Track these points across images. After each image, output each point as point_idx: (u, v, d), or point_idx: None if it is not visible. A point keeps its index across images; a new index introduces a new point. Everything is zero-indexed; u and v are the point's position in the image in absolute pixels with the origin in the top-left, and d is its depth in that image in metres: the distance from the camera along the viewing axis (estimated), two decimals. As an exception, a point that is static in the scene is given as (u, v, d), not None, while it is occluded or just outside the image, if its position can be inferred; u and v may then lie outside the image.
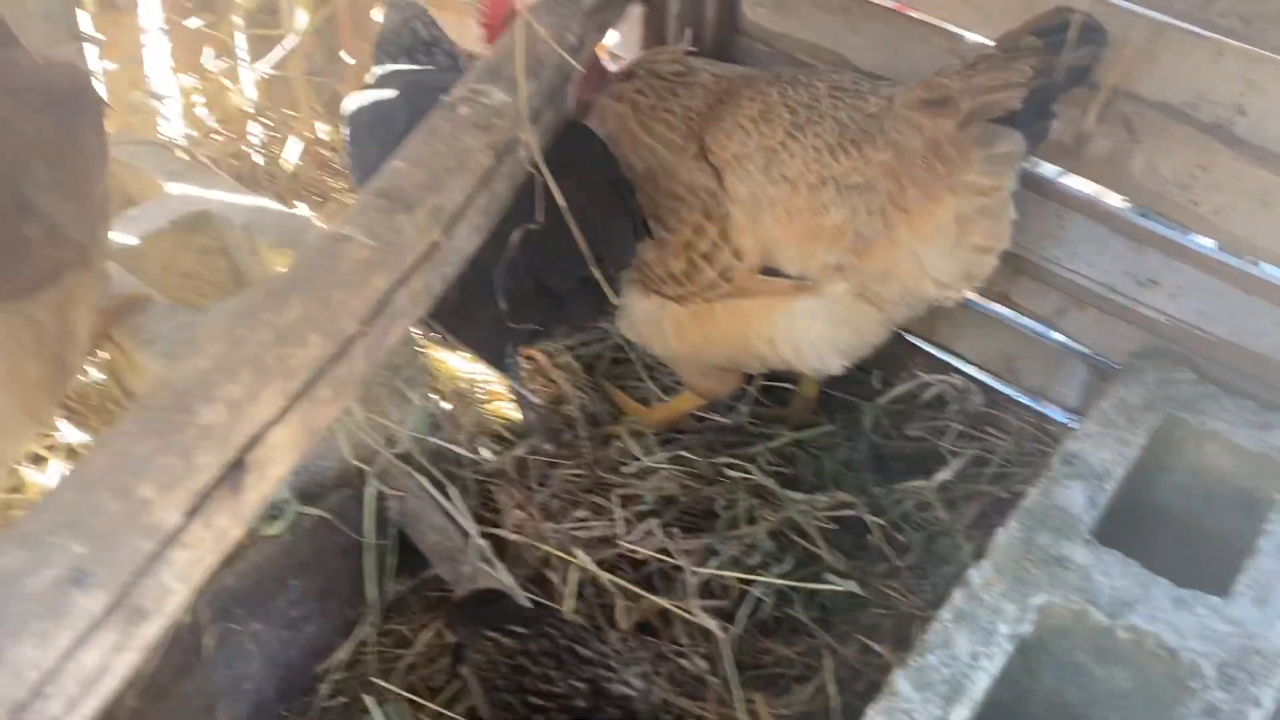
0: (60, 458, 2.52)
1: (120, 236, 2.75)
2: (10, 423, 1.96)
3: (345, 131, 2.67)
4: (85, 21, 3.19)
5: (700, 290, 2.36)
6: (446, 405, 2.66)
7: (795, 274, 2.26)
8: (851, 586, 2.32)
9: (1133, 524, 2.13)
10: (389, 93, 2.59)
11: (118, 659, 1.20)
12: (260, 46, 3.50)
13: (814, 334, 2.31)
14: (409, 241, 1.74)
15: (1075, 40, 2.04)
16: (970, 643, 1.84)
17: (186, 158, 3.21)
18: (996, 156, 2.08)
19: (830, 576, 2.35)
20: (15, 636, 1.09)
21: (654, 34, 2.89)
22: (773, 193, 2.24)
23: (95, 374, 2.64)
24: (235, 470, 1.37)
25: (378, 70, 2.72)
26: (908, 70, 2.51)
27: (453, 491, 2.45)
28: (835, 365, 2.40)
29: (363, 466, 2.43)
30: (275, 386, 1.45)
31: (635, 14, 2.91)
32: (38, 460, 2.52)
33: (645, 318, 2.52)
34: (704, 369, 2.60)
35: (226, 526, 1.36)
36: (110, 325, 2.47)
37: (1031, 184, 2.44)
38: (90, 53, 3.22)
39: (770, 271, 2.28)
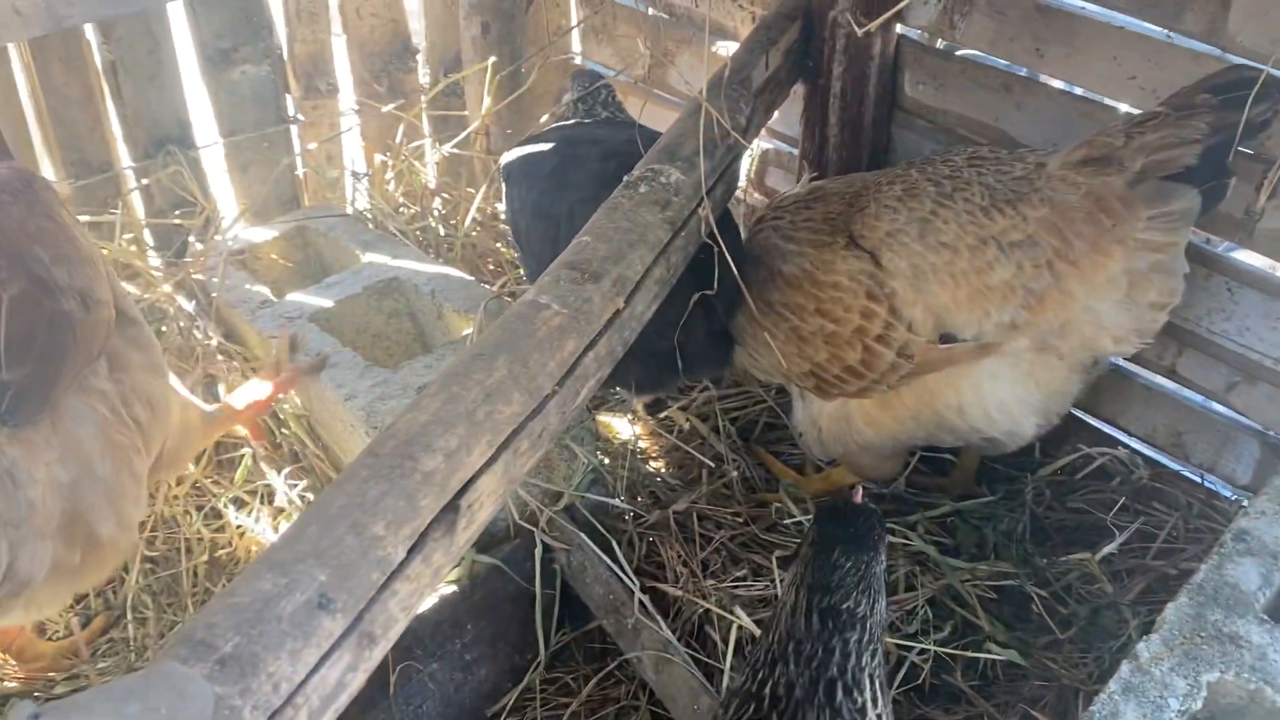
0: (263, 502, 2.75)
1: (319, 299, 3.02)
2: (122, 488, 2.05)
3: (504, 180, 2.86)
4: (290, 105, 3.53)
5: (882, 376, 2.37)
6: (610, 462, 2.79)
7: (971, 336, 2.30)
8: (1013, 656, 2.32)
9: (1310, 605, 2.07)
10: (541, 145, 2.78)
11: (351, 678, 1.35)
12: (443, 126, 3.77)
13: (1001, 394, 2.34)
14: (596, 309, 1.89)
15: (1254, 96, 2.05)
16: (1139, 716, 1.83)
17: (377, 229, 3.48)
18: (1170, 214, 2.12)
19: (991, 646, 2.35)
20: (273, 651, 1.24)
21: (815, 113, 3.00)
22: (933, 260, 2.29)
23: (294, 426, 2.87)
24: (450, 513, 1.52)
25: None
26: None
27: (616, 547, 2.57)
28: (1029, 426, 2.40)
29: (535, 517, 2.57)
30: (484, 439, 1.60)
31: (797, 93, 3.04)
32: (241, 505, 2.75)
33: (831, 422, 2.58)
34: (883, 456, 2.62)
35: (441, 564, 1.51)
36: (301, 381, 2.69)
37: (1200, 258, 2.44)
38: (293, 133, 3.56)
39: (947, 339, 2.32)
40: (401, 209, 3.69)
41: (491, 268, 3.61)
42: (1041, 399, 2.37)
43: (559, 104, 3.00)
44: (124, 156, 3.25)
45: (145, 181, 3.26)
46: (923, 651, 2.36)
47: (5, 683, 2.35)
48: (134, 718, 1.06)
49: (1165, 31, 2.39)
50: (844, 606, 1.73)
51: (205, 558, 2.65)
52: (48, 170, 3.13)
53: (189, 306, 3.04)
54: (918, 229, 2.32)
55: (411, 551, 1.45)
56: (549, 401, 1.74)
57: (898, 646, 2.37)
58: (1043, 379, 2.34)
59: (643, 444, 3.00)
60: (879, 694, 1.76)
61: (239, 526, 2.69)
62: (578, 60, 3.99)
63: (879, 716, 1.74)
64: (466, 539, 1.57)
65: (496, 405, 1.64)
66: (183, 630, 1.26)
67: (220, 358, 2.95)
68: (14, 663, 2.39)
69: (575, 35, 3.96)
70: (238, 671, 1.21)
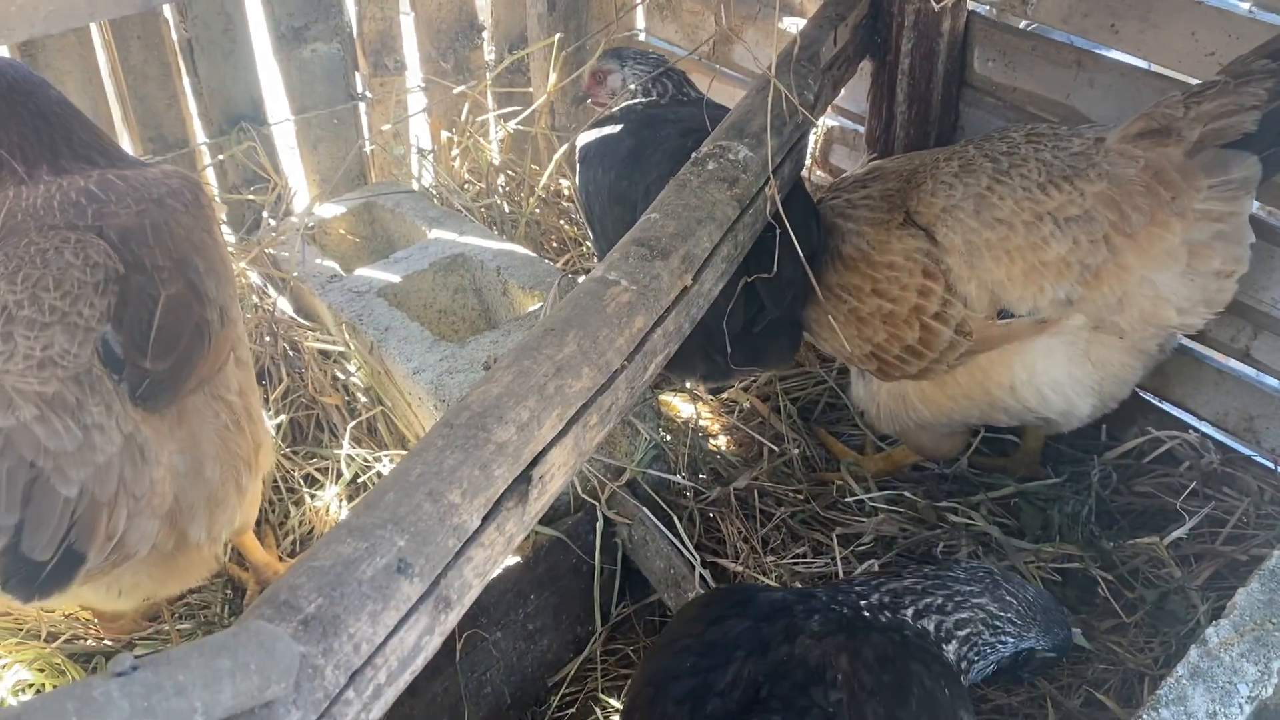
0: (331, 478, 2.81)
1: (387, 274, 3.07)
2: (225, 496, 2.16)
3: (578, 161, 2.88)
4: (358, 83, 3.58)
5: (941, 355, 2.37)
6: (671, 439, 2.81)
7: (1025, 312, 2.29)
8: (1078, 639, 2.30)
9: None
10: (616, 126, 2.79)
11: (428, 641, 1.39)
12: (508, 103, 3.80)
13: (1055, 373, 2.33)
14: (665, 286, 1.90)
15: None
16: (1207, 701, 1.82)
17: (442, 205, 3.52)
18: (1231, 182, 2.09)
19: (1055, 627, 2.34)
20: (355, 613, 1.28)
21: (882, 89, 2.98)
22: (988, 235, 2.28)
23: (361, 399, 2.93)
24: (522, 483, 1.55)
25: (615, 108, 2.93)
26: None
27: (677, 522, 2.59)
28: (1085, 406, 2.39)
29: (596, 491, 2.60)
30: (555, 412, 1.63)
31: (864, 69, 3.01)
32: (312, 481, 2.82)
33: (888, 399, 2.59)
34: (940, 434, 2.62)
35: (514, 533, 1.54)
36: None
37: (1278, 237, 2.39)
38: (361, 110, 3.61)
39: (1004, 316, 2.31)
40: (467, 185, 3.73)
41: (555, 244, 3.64)
42: (1097, 379, 2.35)
43: (600, 85, 2.95)
44: (199, 133, 3.32)
45: (220, 158, 3.33)
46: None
47: (87, 642, 2.44)
48: (225, 672, 1.11)
49: (1248, 6, 2.34)
50: None
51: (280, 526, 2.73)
52: (126, 146, 3.21)
53: (260, 281, 3.10)
54: (973, 205, 2.31)
55: (486, 520, 1.48)
56: (618, 377, 1.76)
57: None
58: (1099, 358, 2.32)
59: (704, 422, 3.02)
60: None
61: (312, 496, 2.76)
62: (641, 37, 3.99)
63: None
64: (538, 509, 1.60)
65: (567, 380, 1.67)
66: (268, 592, 1.30)
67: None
68: (96, 623, 2.48)
69: (639, 12, 3.96)
70: (320, 632, 1.25)
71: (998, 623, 1.90)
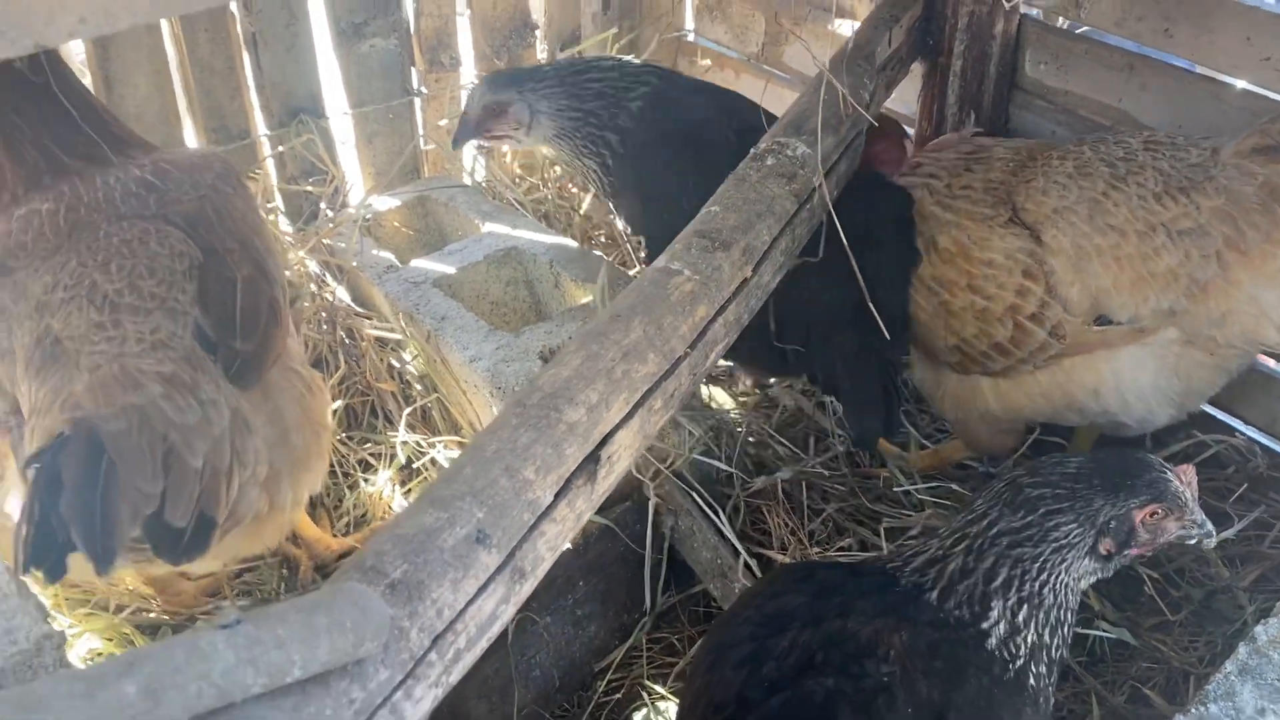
0: (385, 464, 2.88)
1: (442, 266, 3.14)
2: (309, 462, 2.25)
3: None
4: (414, 78, 3.65)
5: (1029, 355, 2.37)
6: (718, 430, 2.85)
7: (1125, 320, 2.29)
8: (1123, 635, 2.32)
9: None
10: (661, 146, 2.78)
11: (503, 610, 1.44)
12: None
13: (1143, 382, 2.33)
14: (726, 277, 1.95)
15: None
16: (1256, 697, 1.84)
17: (495, 199, 3.59)
18: None
19: (1101, 624, 2.36)
20: (437, 580, 1.33)
21: (934, 91, 3.01)
22: (1099, 241, 2.28)
23: (417, 386, 3.00)
24: (591, 463, 1.60)
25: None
26: (1198, 128, 2.53)
27: (723, 513, 2.63)
28: (1163, 416, 2.40)
29: (643, 480, 2.65)
30: (622, 395, 1.67)
31: (915, 70, 3.05)
32: (367, 466, 2.89)
33: (956, 386, 2.59)
34: (1000, 429, 2.63)
35: (582, 510, 1.59)
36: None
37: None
38: (416, 105, 3.68)
39: (1101, 322, 2.31)
40: (519, 180, 3.79)
41: (605, 239, 3.69)
42: (1181, 391, 2.36)
43: (500, 118, 2.83)
44: (260, 124, 3.40)
45: (280, 149, 3.40)
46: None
47: (151, 614, 2.51)
48: (322, 629, 1.16)
49: (1306, 12, 2.36)
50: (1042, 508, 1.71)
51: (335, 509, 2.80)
52: (191, 136, 3.30)
53: (319, 269, 3.18)
54: (1087, 209, 2.30)
55: (558, 496, 1.53)
56: (681, 363, 1.81)
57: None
58: (1185, 371, 2.32)
59: (750, 414, 3.06)
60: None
61: (366, 480, 2.82)
62: (690, 38, 4.04)
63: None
64: (605, 488, 1.65)
65: (633, 364, 1.72)
66: (355, 557, 1.36)
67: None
68: (157, 597, 2.55)
69: (689, 12, 4.01)
70: (405, 596, 1.30)
71: (1030, 542, 1.71)
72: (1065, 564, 1.73)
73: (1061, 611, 1.75)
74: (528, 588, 1.49)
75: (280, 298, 2.21)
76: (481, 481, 1.46)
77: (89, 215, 2.13)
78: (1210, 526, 1.80)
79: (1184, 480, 1.78)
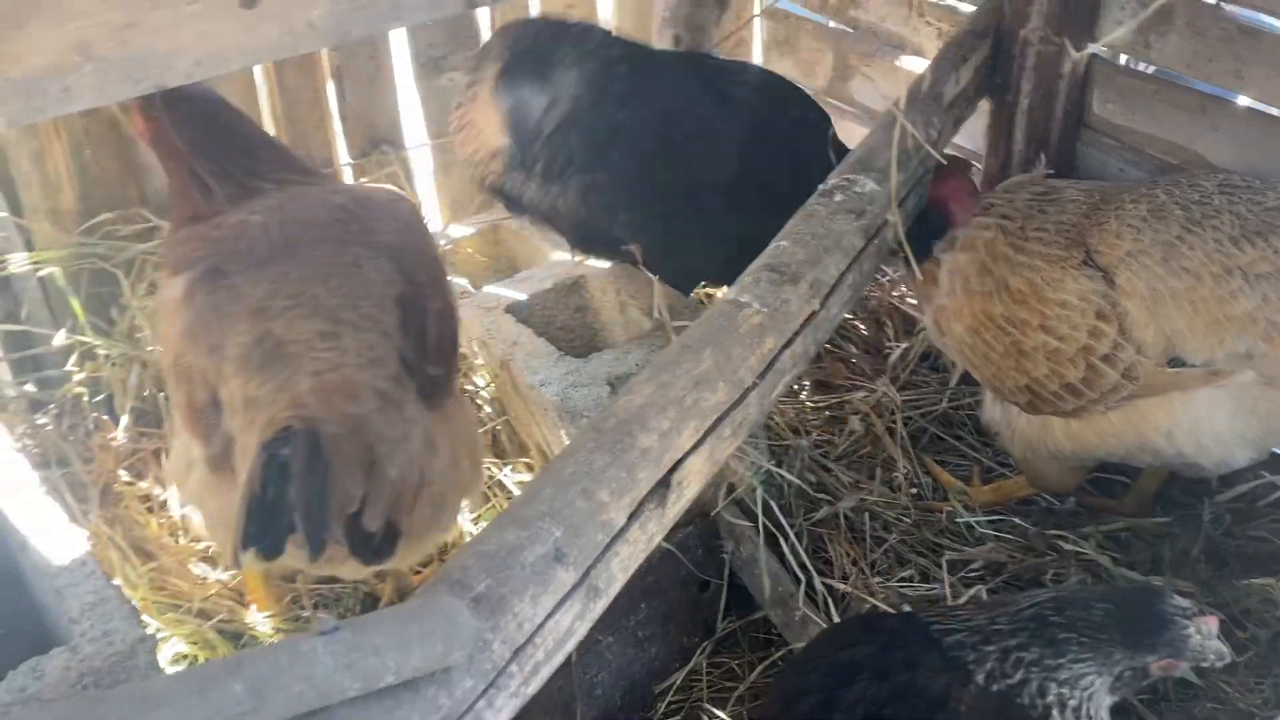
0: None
1: (513, 292, 3.23)
2: (473, 483, 2.39)
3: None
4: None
5: (1101, 397, 2.38)
6: (781, 458, 2.89)
7: (1200, 363, 2.29)
8: (1187, 673, 2.31)
9: None
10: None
11: (579, 626, 1.51)
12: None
13: (1219, 425, 2.33)
14: (794, 310, 2.01)
15: None
16: (1322, 740, 1.84)
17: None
18: None
19: (1165, 662, 2.36)
20: (518, 595, 1.40)
21: (1001, 129, 3.05)
22: (1174, 285, 2.28)
23: (485, 407, 3.09)
24: (662, 488, 1.67)
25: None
26: (1271, 169, 2.53)
27: (784, 541, 2.67)
28: (1241, 458, 2.40)
29: (706, 507, 2.70)
30: (692, 423, 1.74)
31: (981, 108, 3.09)
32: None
33: (1027, 425, 2.61)
34: (1069, 467, 2.64)
35: (654, 533, 1.66)
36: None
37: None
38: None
39: (1175, 364, 2.31)
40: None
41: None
42: (1260, 433, 2.35)
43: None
44: (343, 153, 3.54)
45: (363, 180, 3.54)
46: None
47: (232, 623, 2.61)
48: (414, 638, 1.24)
49: (1379, 55, 2.36)
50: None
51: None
52: (277, 165, 3.45)
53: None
54: (1161, 252, 2.30)
55: (631, 518, 1.60)
56: (750, 393, 1.87)
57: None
58: (1265, 413, 2.32)
59: (815, 440, 3.09)
60: None
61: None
62: (758, 72, 4.11)
63: None
64: (675, 512, 1.71)
65: (703, 393, 1.78)
66: (441, 571, 1.43)
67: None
68: (247, 598, 2.65)
69: (757, 46, 4.09)
70: (489, 609, 1.38)
71: (1064, 683, 1.83)
72: (1091, 699, 1.85)
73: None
74: (601, 605, 1.55)
75: (458, 332, 2.38)
76: (560, 502, 1.53)
77: (299, 233, 2.28)
78: (1225, 651, 1.89)
79: (1204, 633, 1.85)
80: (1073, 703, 1.81)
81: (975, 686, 1.79)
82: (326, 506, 1.79)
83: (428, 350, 2.20)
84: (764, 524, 2.70)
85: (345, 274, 2.20)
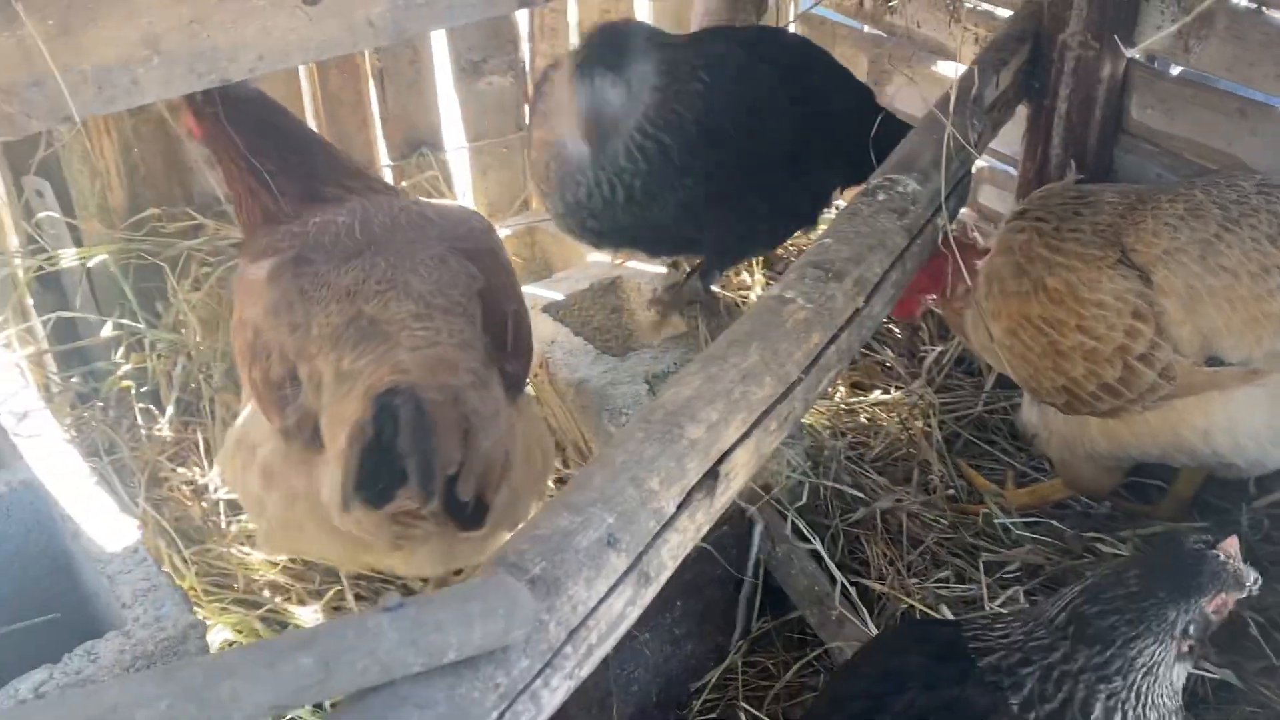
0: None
1: (550, 292, 3.27)
2: (540, 482, 2.45)
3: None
4: (527, 114, 3.80)
5: (1139, 397, 2.38)
6: (817, 458, 2.91)
7: (1237, 361, 2.29)
8: (1227, 676, 2.31)
9: None
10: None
11: (630, 611, 1.53)
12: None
13: (1256, 424, 2.33)
14: (839, 306, 2.03)
15: None
16: (1366, 743, 1.84)
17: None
18: None
19: (1205, 664, 2.35)
20: (573, 578, 1.43)
21: (1038, 133, 3.06)
22: (1212, 283, 2.29)
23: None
24: (710, 478, 1.69)
25: None
26: (1313, 173, 2.53)
27: (820, 541, 2.68)
28: (1277, 458, 2.40)
29: (743, 505, 2.71)
30: (739, 416, 1.76)
31: (1018, 112, 3.10)
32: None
33: (1064, 425, 2.62)
34: (1105, 468, 2.64)
35: (702, 522, 1.67)
36: None
37: None
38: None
39: (1212, 363, 2.32)
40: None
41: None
42: None
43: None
44: (383, 155, 3.59)
45: (404, 184, 3.59)
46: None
47: (278, 613, 2.65)
48: (476, 615, 1.26)
49: None
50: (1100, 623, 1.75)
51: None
52: (319, 165, 3.50)
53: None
54: (1199, 250, 2.31)
55: (680, 507, 1.62)
56: (795, 388, 1.89)
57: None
58: None
59: (850, 441, 3.11)
60: None
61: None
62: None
63: None
64: (722, 503, 1.73)
65: (750, 387, 1.80)
66: (497, 553, 1.46)
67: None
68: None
69: (792, 53, 4.10)
70: (545, 591, 1.40)
71: (1120, 675, 1.74)
72: (1158, 680, 1.76)
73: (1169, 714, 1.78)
74: (651, 591, 1.57)
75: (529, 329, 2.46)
76: (611, 489, 1.55)
77: (383, 234, 2.36)
78: (1255, 574, 1.81)
79: (1233, 555, 1.80)
80: (1133, 692, 1.72)
81: (1010, 716, 1.74)
82: (432, 461, 1.85)
83: (507, 346, 2.27)
84: (800, 524, 2.72)
85: (433, 265, 2.27)
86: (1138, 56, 2.93)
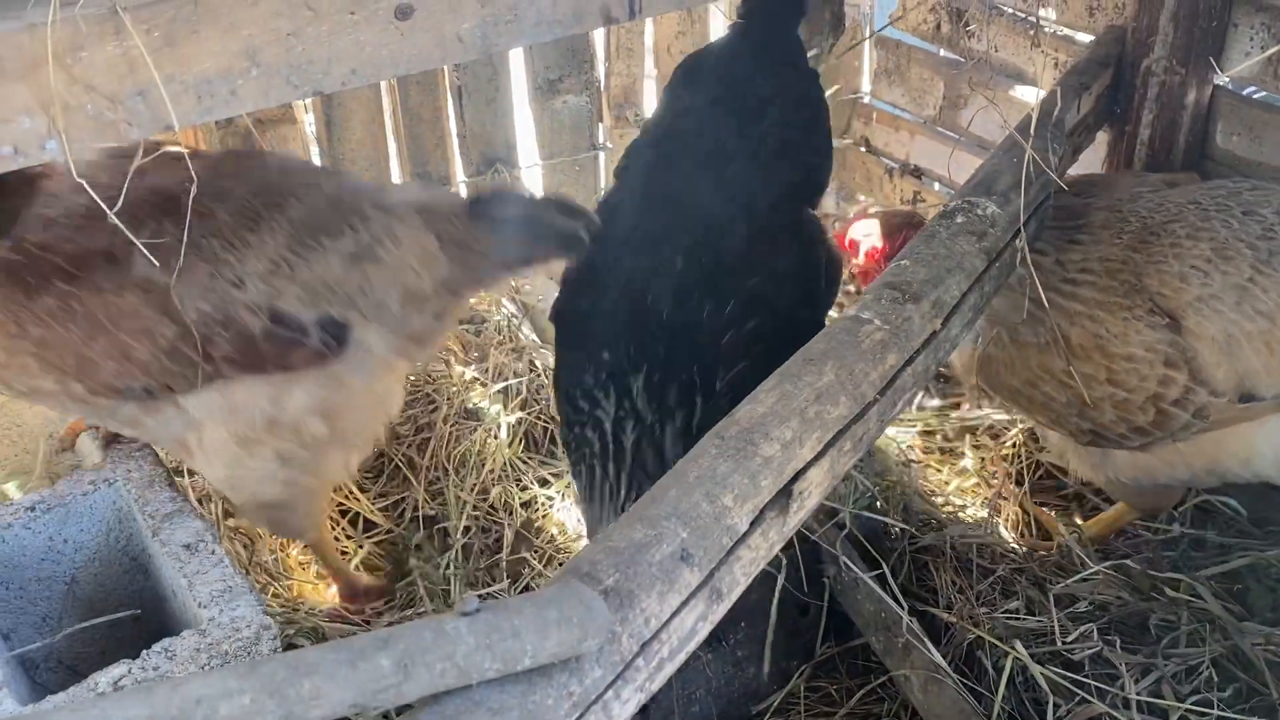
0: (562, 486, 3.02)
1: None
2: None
3: None
4: (600, 133, 3.85)
5: (1172, 436, 2.34)
6: (885, 483, 2.88)
7: (1272, 396, 2.26)
8: (1312, 725, 2.23)
9: None
10: None
11: (701, 627, 1.52)
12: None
13: None
14: (916, 328, 2.01)
15: None
16: None
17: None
18: None
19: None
20: (646, 590, 1.42)
21: (1120, 159, 3.01)
22: (1249, 328, 2.25)
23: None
24: (784, 497, 1.67)
25: None
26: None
27: (887, 567, 2.64)
28: None
29: (810, 529, 2.69)
30: (814, 435, 1.75)
31: (1099, 138, 3.05)
32: (545, 483, 3.04)
33: (1093, 457, 2.58)
34: (1155, 491, 2.60)
35: (774, 541, 1.66)
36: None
37: None
38: (600, 159, 3.88)
39: (1246, 399, 2.28)
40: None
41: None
42: None
43: None
44: (459, 171, 3.65)
45: (479, 198, 3.64)
46: (1204, 715, 2.31)
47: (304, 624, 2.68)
48: (552, 622, 1.27)
49: None
50: None
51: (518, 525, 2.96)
52: (397, 179, 3.57)
53: (511, 308, 3.38)
54: (1235, 296, 2.26)
55: (753, 525, 1.61)
56: (871, 409, 1.87)
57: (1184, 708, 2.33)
58: None
59: (920, 468, 3.07)
60: None
61: (547, 500, 2.97)
62: (866, 99, 4.13)
63: None
64: (796, 522, 1.72)
65: (825, 406, 1.79)
66: (571, 563, 1.46)
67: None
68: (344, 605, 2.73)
69: (866, 76, 4.10)
70: (618, 602, 1.40)
71: None
72: None
73: None
74: (723, 608, 1.57)
75: None
76: (685, 504, 1.55)
77: None
78: None
79: None
80: None
81: None
82: None
83: None
84: (868, 549, 2.69)
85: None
86: (1226, 83, 2.87)
